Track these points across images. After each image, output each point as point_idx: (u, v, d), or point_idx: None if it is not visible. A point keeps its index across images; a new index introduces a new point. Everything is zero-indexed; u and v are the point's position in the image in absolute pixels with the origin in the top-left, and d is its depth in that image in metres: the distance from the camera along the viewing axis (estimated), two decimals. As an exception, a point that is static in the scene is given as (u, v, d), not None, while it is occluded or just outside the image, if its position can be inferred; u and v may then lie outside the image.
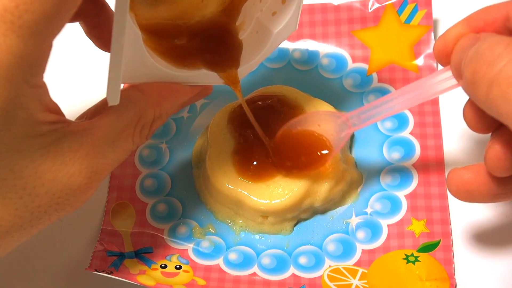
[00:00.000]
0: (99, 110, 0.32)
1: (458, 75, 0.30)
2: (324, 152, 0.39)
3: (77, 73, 0.50)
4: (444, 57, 0.32)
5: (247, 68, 0.38)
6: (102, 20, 0.33)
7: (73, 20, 0.34)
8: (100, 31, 0.34)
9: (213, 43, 0.37)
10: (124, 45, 0.27)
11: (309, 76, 0.48)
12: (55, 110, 0.29)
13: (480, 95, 0.27)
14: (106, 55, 0.29)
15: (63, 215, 0.30)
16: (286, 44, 0.48)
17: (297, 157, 0.40)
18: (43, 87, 0.28)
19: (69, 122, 0.29)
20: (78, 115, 0.34)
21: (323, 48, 0.48)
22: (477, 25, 0.31)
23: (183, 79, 0.35)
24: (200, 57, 0.36)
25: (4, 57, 0.24)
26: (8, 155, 0.27)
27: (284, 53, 0.48)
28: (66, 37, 0.45)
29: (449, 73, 0.32)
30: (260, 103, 0.43)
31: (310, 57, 0.48)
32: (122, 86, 0.33)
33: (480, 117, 0.31)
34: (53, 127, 0.28)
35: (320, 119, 0.40)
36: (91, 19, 0.34)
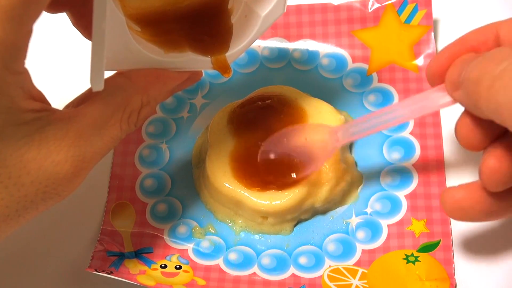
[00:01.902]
0: (86, 99, 0.32)
1: (454, 87, 0.31)
2: (298, 175, 0.40)
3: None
4: (437, 77, 0.33)
5: (235, 53, 0.37)
6: (89, 10, 0.33)
7: (59, 10, 0.34)
8: (88, 20, 0.33)
9: (204, 27, 0.36)
10: (105, 29, 0.27)
11: (309, 76, 0.48)
12: (39, 98, 0.29)
13: (482, 91, 0.27)
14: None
15: (51, 205, 0.30)
16: (286, 44, 0.48)
17: (277, 176, 0.40)
18: (25, 73, 0.27)
19: (54, 110, 0.29)
20: (65, 105, 0.34)
21: (323, 48, 0.48)
22: (471, 45, 0.32)
23: (170, 65, 0.34)
24: (188, 41, 0.36)
25: None
26: None
27: (284, 53, 0.48)
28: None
29: (440, 93, 0.33)
30: (260, 103, 0.43)
31: (310, 57, 0.48)
32: (111, 74, 0.33)
33: (474, 132, 0.31)
34: (37, 115, 0.28)
35: (308, 133, 0.40)
36: (78, 9, 0.34)
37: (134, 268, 0.40)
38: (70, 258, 0.42)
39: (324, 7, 0.48)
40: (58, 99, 0.34)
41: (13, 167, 0.27)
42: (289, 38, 0.49)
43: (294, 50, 0.48)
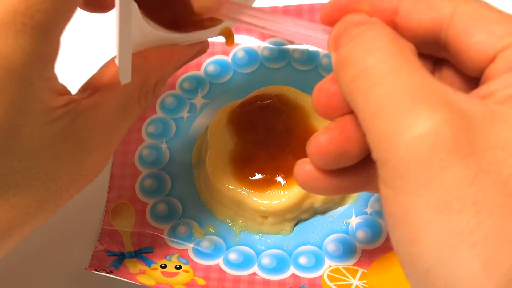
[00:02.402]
0: (101, 79, 0.32)
1: (334, 47, 0.28)
2: None
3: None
4: (327, 21, 0.29)
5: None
6: None
7: None
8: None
9: None
10: (131, 23, 0.28)
11: (309, 76, 0.48)
12: (64, 91, 0.30)
13: (345, 79, 0.25)
14: (100, 27, 0.28)
15: (81, 189, 0.31)
16: (286, 44, 0.49)
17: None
18: (55, 77, 0.28)
19: (79, 100, 0.30)
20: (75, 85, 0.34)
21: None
22: (368, 7, 0.28)
23: (180, 40, 0.35)
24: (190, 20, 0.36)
25: (18, 56, 0.25)
26: (30, 146, 0.27)
27: (284, 53, 0.48)
28: None
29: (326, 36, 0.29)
30: (260, 103, 0.43)
31: (310, 57, 0.48)
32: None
33: (332, 98, 0.28)
34: (66, 109, 0.29)
35: None
36: None
37: (134, 267, 0.40)
38: (70, 258, 0.42)
39: (324, 7, 0.48)
40: (68, 80, 0.34)
41: (49, 163, 0.28)
42: (289, 38, 0.49)
43: (294, 50, 0.48)
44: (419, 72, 0.23)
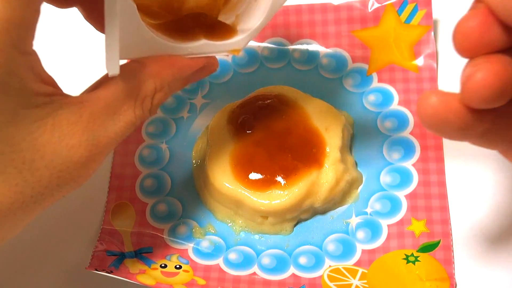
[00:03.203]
0: (99, 85, 0.32)
1: None
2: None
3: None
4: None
5: (247, 36, 0.36)
6: (100, 3, 0.33)
7: (70, 5, 0.34)
8: (99, 13, 0.33)
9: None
10: (118, 13, 0.27)
11: (309, 76, 0.48)
12: (50, 82, 0.29)
13: None
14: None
15: (67, 192, 0.30)
16: (286, 44, 0.48)
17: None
18: (34, 55, 0.27)
19: (65, 94, 0.29)
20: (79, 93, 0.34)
21: (323, 48, 0.48)
22: None
23: (184, 51, 0.34)
24: (198, 26, 0.36)
25: None
26: (3, 127, 0.26)
27: (284, 53, 0.48)
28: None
29: None
30: (260, 103, 0.43)
31: (310, 57, 0.48)
32: (125, 61, 0.33)
33: (483, 32, 0.25)
34: (49, 99, 0.28)
35: None
36: (88, 3, 0.34)
37: (134, 267, 0.40)
38: (70, 258, 0.42)
39: (324, 7, 0.48)
40: (72, 89, 0.34)
41: (27, 151, 0.27)
42: (289, 38, 0.49)
43: (294, 50, 0.48)
44: None
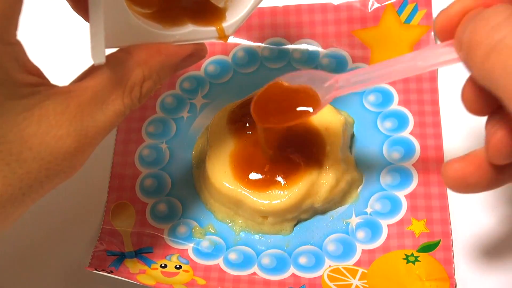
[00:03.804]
0: (86, 75, 0.31)
1: (459, 47, 0.28)
2: (307, 109, 0.37)
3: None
4: (446, 33, 0.30)
5: (236, 22, 0.36)
6: None
7: None
8: (86, 3, 0.32)
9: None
10: (102, 1, 0.27)
11: (309, 76, 0.48)
12: (36, 72, 0.29)
13: (477, 62, 0.25)
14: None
15: (57, 184, 0.30)
16: (286, 44, 0.49)
17: (279, 112, 0.38)
18: (18, 45, 0.27)
19: (52, 84, 0.29)
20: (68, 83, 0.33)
21: (323, 48, 0.48)
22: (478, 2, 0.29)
23: (172, 38, 0.34)
24: (187, 14, 0.35)
25: None
26: None
27: (284, 53, 0.48)
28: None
29: (449, 48, 0.30)
30: (260, 103, 0.43)
31: (310, 57, 0.48)
32: (112, 51, 0.32)
33: (479, 96, 0.29)
34: (35, 89, 0.27)
35: (307, 79, 0.38)
36: None
37: (134, 267, 0.40)
38: (70, 258, 0.42)
39: (324, 7, 0.48)
40: (61, 79, 0.33)
41: (14, 143, 0.27)
42: (289, 38, 0.49)
43: (294, 50, 0.48)
44: None
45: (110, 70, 0.31)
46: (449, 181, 0.31)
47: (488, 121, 0.30)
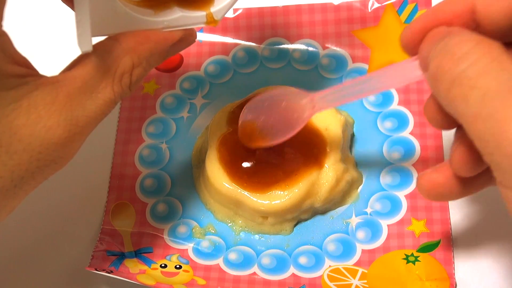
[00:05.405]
0: (75, 65, 0.31)
1: (425, 67, 0.29)
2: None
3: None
4: (410, 48, 0.31)
5: (225, 6, 0.35)
6: None
7: None
8: None
9: None
10: None
11: (309, 76, 0.48)
12: (24, 63, 0.28)
13: (441, 91, 0.26)
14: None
15: (49, 174, 0.29)
16: (286, 44, 0.49)
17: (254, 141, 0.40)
18: (4, 36, 0.27)
19: (40, 75, 0.29)
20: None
21: (323, 48, 0.48)
22: (445, 17, 0.30)
23: (160, 25, 0.34)
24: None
25: None
26: None
27: (284, 53, 0.48)
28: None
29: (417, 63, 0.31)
30: (260, 103, 0.43)
31: (310, 57, 0.48)
32: (100, 39, 0.32)
33: (441, 113, 0.30)
34: (23, 80, 0.27)
35: (285, 97, 0.39)
36: None
37: (134, 267, 0.40)
38: (70, 258, 0.42)
39: (324, 7, 0.48)
40: (50, 69, 0.33)
41: (3, 135, 0.27)
42: (289, 38, 0.49)
43: (294, 50, 0.48)
44: (508, 68, 0.24)
45: (99, 58, 0.30)
46: (423, 191, 0.33)
47: (455, 134, 0.31)
